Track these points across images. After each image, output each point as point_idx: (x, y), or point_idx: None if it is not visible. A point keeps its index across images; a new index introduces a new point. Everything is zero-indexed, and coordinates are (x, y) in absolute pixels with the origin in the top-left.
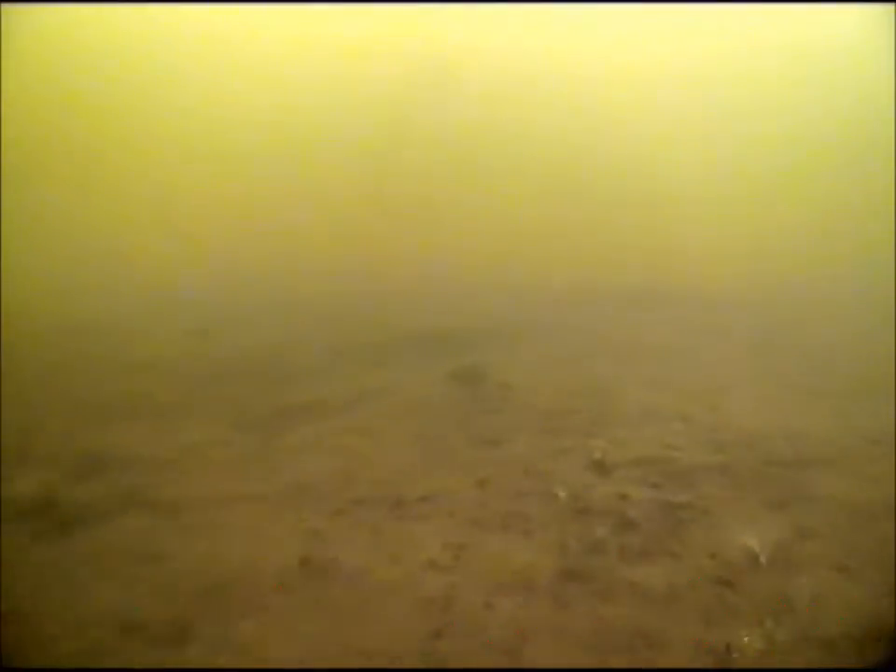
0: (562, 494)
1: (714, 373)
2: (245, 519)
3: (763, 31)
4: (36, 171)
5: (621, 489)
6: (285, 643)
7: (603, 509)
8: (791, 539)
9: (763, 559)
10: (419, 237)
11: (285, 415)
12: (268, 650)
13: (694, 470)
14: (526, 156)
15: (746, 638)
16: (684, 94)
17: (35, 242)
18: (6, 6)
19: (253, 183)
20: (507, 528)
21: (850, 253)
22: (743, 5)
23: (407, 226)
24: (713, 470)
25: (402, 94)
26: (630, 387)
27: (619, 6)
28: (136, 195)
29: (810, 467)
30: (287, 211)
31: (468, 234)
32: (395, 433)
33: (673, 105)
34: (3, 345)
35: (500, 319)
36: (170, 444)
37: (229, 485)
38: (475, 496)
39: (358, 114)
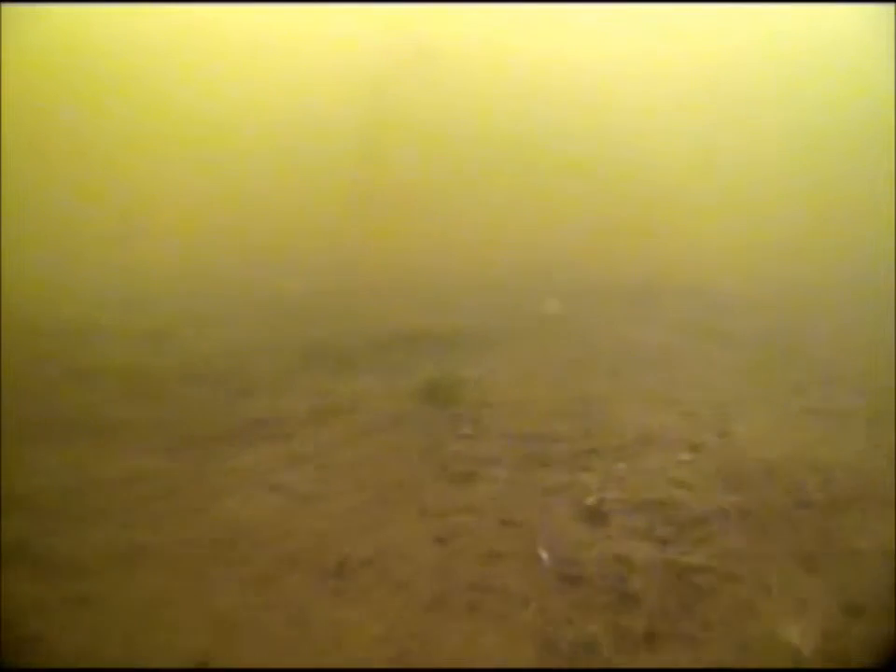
0: (546, 555)
1: (723, 388)
2: (143, 590)
3: (761, 30)
4: (32, 171)
5: (620, 547)
6: None
7: (597, 577)
8: (837, 617)
9: (805, 651)
10: (401, 231)
11: (228, 438)
12: None
13: (709, 518)
14: (516, 148)
15: None
16: (681, 92)
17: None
18: (6, 6)
19: (223, 176)
20: (473, 609)
21: (865, 249)
22: (742, 4)
23: (388, 220)
24: (731, 517)
25: (385, 85)
26: (628, 407)
27: (615, 4)
28: (101, 189)
29: (848, 509)
30: (259, 204)
31: (452, 228)
32: (350, 465)
33: (670, 102)
34: None
35: (483, 321)
36: (80, 477)
37: (136, 537)
38: (436, 557)
39: (336, 105)
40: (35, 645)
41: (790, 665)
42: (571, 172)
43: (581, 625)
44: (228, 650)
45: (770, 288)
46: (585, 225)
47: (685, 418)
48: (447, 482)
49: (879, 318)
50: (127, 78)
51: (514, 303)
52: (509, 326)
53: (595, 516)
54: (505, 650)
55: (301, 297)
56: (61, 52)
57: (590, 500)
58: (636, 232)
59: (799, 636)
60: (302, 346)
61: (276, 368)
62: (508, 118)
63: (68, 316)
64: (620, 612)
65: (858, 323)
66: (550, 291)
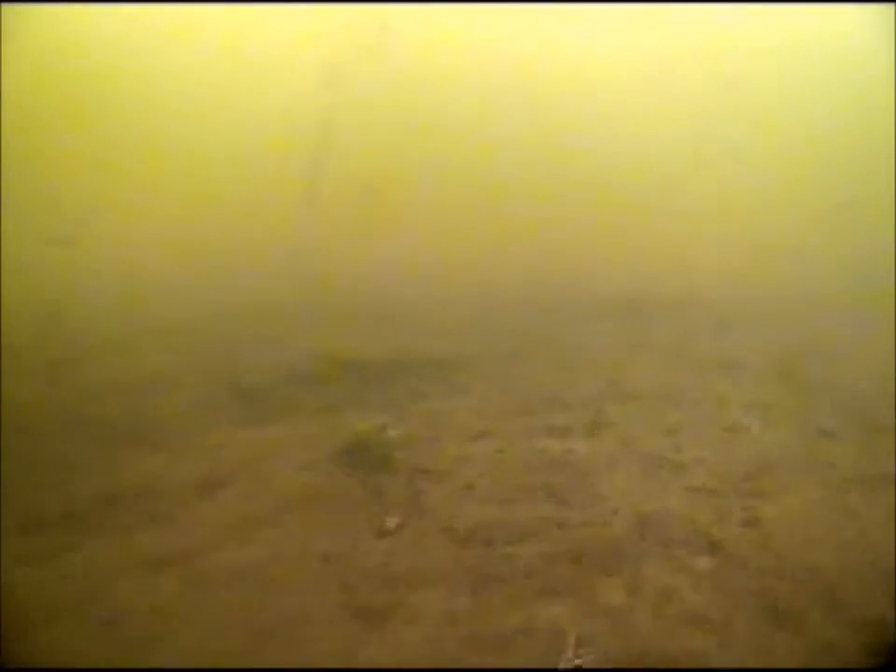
0: None
1: (740, 444)
2: None
3: (761, 30)
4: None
5: None
6: None
7: None
8: None
9: None
10: (356, 233)
11: (82, 520)
12: None
13: None
14: (485, 140)
15: None
16: (672, 88)
17: None
18: (5, 6)
19: (165, 181)
20: None
21: (869, 252)
22: (741, 4)
23: (343, 220)
24: None
25: (346, 68)
26: (620, 478)
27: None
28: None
29: None
30: (207, 206)
31: (413, 230)
32: (223, 579)
33: (659, 96)
34: None
35: (438, 346)
36: None
37: None
38: None
39: (293, 90)
40: None
41: None
42: (547, 166)
43: None
44: None
45: (773, 297)
46: (565, 227)
47: (696, 497)
48: (353, 621)
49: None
50: (124, 78)
51: (479, 324)
52: (469, 352)
53: None
54: None
55: (235, 316)
56: (61, 52)
57: (563, 665)
58: (623, 238)
59: None
60: (214, 380)
61: (177, 411)
62: (477, 106)
63: None
64: None
65: (877, 339)
66: (523, 306)
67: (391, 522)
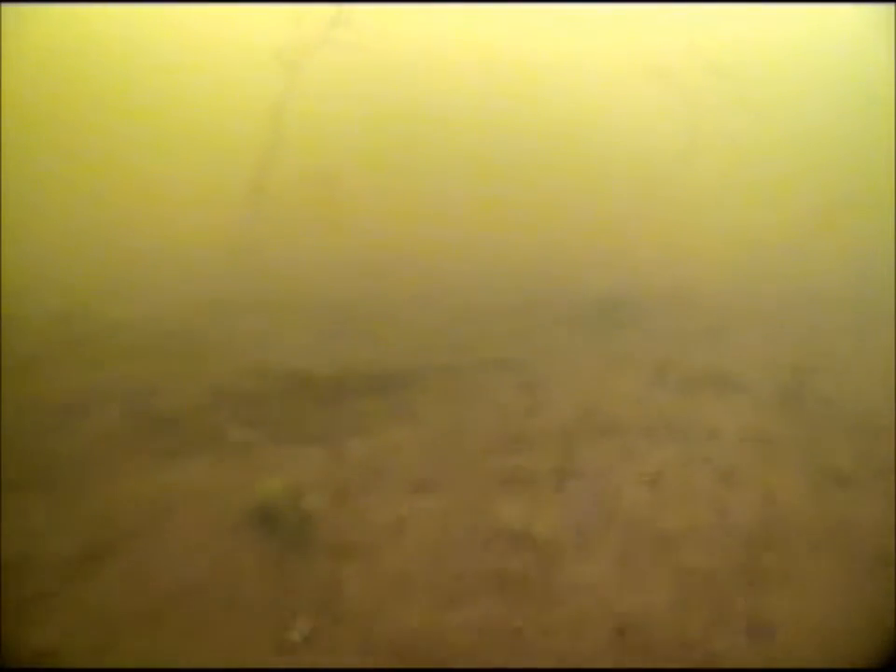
0: None
1: (737, 491)
2: None
3: (761, 30)
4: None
5: None
6: None
7: None
8: None
9: None
10: (305, 236)
11: None
12: None
13: None
14: (450, 129)
15: None
16: (675, 84)
17: None
18: (5, 6)
19: (105, 171)
20: None
21: (869, 246)
22: (741, 4)
23: (292, 222)
24: None
25: (298, 56)
26: (590, 562)
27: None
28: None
29: None
30: (148, 200)
31: (367, 226)
32: None
33: (663, 95)
34: None
35: (390, 360)
36: None
37: None
38: None
39: (242, 80)
40: None
41: None
42: (514, 155)
43: None
44: None
45: (770, 294)
46: (545, 222)
47: (687, 588)
48: None
49: None
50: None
51: (437, 333)
52: (422, 367)
53: None
54: None
55: (164, 322)
56: (61, 52)
57: None
58: (617, 231)
59: None
60: (130, 403)
61: (78, 446)
62: (438, 93)
63: None
64: None
65: (882, 345)
66: (492, 311)
67: (298, 632)
